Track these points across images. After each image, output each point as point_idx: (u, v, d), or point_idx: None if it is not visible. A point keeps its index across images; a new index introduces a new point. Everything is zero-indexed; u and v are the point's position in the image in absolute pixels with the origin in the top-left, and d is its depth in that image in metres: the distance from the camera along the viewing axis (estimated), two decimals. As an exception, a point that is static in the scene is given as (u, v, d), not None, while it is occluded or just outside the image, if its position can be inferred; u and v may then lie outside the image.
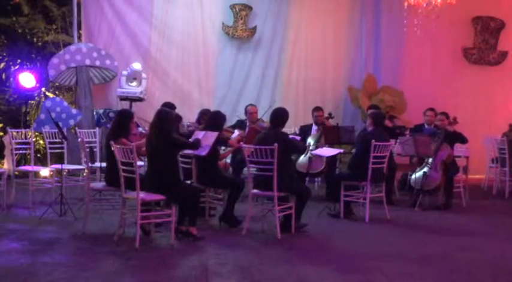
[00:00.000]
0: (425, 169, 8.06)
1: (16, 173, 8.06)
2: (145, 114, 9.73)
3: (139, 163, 6.40)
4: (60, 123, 8.09)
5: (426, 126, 9.24)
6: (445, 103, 10.86)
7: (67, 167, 8.12)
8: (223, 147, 7.27)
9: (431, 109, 9.36)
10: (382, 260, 5.44)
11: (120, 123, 6.33)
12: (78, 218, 6.73)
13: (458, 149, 8.67)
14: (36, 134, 9.74)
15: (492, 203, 8.96)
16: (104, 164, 6.99)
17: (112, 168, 6.10)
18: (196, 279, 4.78)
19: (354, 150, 7.84)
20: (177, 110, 8.10)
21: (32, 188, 7.63)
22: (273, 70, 11.10)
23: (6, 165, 8.00)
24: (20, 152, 8.51)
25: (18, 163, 8.89)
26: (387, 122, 8.80)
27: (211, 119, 6.95)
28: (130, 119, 6.44)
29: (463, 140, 8.36)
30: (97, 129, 9.26)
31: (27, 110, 10.73)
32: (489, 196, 9.50)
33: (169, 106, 7.73)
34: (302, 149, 7.64)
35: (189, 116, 9.04)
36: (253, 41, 11.03)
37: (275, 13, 11.11)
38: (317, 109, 8.96)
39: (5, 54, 11.05)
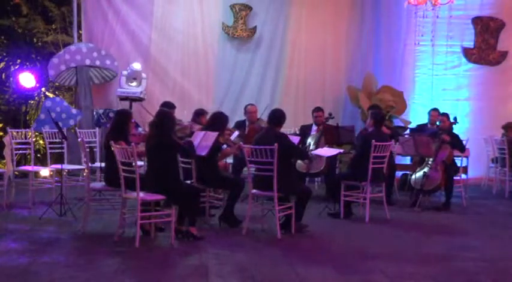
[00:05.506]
0: (426, 169, 8.07)
1: (16, 173, 8.06)
2: (145, 115, 9.73)
3: (139, 163, 6.40)
4: (60, 123, 8.08)
5: (429, 126, 9.24)
6: (444, 103, 10.90)
7: (67, 167, 8.11)
8: (224, 146, 7.26)
9: (435, 109, 9.36)
10: (382, 260, 5.44)
11: (119, 124, 6.32)
12: (78, 218, 6.73)
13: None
14: (36, 134, 9.75)
15: (492, 203, 8.97)
16: (104, 164, 6.99)
17: (111, 168, 6.10)
18: (196, 279, 4.78)
19: (353, 151, 7.83)
20: (176, 110, 8.11)
21: (32, 188, 7.63)
22: (273, 70, 11.09)
23: (6, 166, 8.01)
24: (20, 152, 8.51)
25: (18, 163, 8.89)
26: (385, 129, 8.57)
27: (213, 119, 6.93)
28: (129, 118, 6.44)
29: (460, 147, 8.34)
30: (97, 129, 9.26)
31: (27, 110, 10.74)
32: (489, 196, 9.50)
33: (168, 106, 7.73)
34: (302, 153, 7.39)
35: (189, 116, 9.03)
36: (253, 41, 11.02)
37: (275, 13, 11.10)
38: (317, 109, 8.95)
39: (5, 54, 11.05)
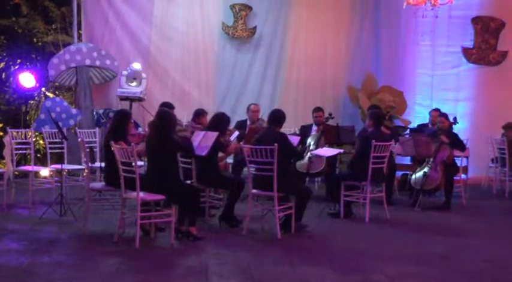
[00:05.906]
0: (426, 169, 8.06)
1: (16, 173, 8.06)
2: (145, 115, 9.73)
3: (139, 163, 6.40)
4: (60, 123, 8.08)
5: (430, 126, 9.23)
6: (444, 103, 10.90)
7: (67, 167, 8.11)
8: None
9: (437, 109, 9.36)
10: (382, 260, 5.44)
11: (119, 124, 6.32)
12: (78, 218, 6.73)
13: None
14: (36, 134, 9.74)
15: (492, 203, 8.97)
16: (104, 164, 6.99)
17: (111, 168, 6.10)
18: (196, 279, 4.78)
19: (353, 150, 7.82)
20: (176, 110, 8.11)
21: (32, 188, 7.63)
22: (273, 70, 11.08)
23: (6, 166, 8.02)
24: (20, 152, 8.50)
25: (18, 163, 8.89)
26: (384, 129, 8.56)
27: (215, 120, 6.92)
28: (129, 119, 6.44)
29: (461, 146, 8.34)
30: (97, 129, 9.26)
31: (27, 110, 10.74)
32: (489, 196, 9.50)
33: (167, 106, 7.73)
34: (299, 154, 7.39)
35: (189, 116, 9.04)
36: (253, 41, 11.01)
37: (275, 13, 11.10)
38: (317, 109, 8.95)
39: (5, 54, 11.05)
